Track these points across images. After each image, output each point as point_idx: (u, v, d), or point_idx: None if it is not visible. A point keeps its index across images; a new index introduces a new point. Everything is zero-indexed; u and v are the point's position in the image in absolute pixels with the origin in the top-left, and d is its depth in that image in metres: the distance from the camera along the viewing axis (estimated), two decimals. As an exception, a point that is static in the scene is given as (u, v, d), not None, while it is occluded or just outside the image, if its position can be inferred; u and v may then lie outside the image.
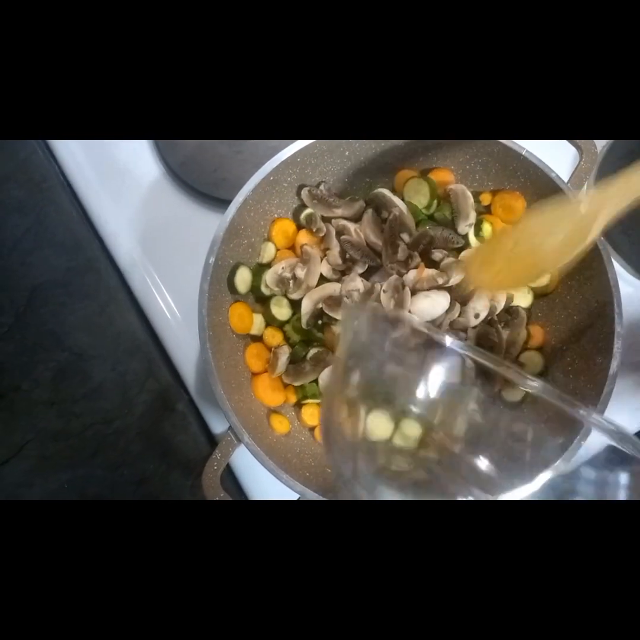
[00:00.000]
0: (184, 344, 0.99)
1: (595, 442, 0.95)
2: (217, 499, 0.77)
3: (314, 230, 0.92)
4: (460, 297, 0.86)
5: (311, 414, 0.91)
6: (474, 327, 0.86)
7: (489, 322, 0.88)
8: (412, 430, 0.77)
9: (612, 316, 0.82)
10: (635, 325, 1.03)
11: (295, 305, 0.91)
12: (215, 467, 0.79)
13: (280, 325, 0.92)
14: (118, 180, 1.06)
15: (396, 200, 0.91)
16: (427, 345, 0.75)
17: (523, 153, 0.86)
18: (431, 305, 0.83)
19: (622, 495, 0.61)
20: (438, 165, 0.95)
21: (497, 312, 0.88)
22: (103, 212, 1.05)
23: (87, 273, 1.02)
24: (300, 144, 0.84)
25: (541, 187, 0.88)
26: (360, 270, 0.90)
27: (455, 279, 0.84)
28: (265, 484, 0.94)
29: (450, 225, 0.93)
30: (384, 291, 0.85)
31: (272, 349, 0.89)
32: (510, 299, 0.91)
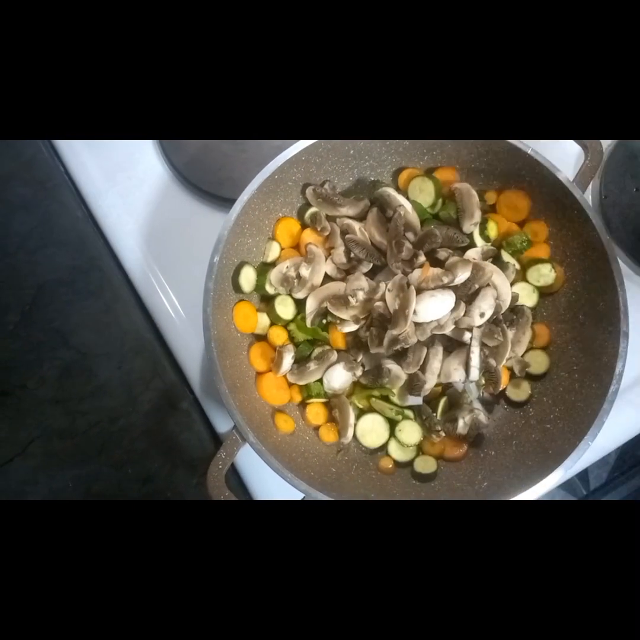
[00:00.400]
0: (188, 343, 0.99)
1: (602, 442, 0.95)
2: (221, 498, 0.77)
3: (319, 229, 0.92)
4: (465, 296, 0.86)
5: (316, 413, 0.91)
6: (479, 326, 0.86)
7: (494, 321, 0.87)
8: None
9: (618, 315, 0.81)
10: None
11: (300, 304, 0.91)
12: (220, 466, 0.79)
13: (285, 325, 0.92)
14: (122, 180, 1.07)
15: (401, 199, 0.90)
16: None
17: (528, 152, 0.86)
18: (437, 304, 0.82)
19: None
20: (443, 164, 0.95)
21: (503, 312, 0.88)
22: (107, 211, 1.05)
23: (92, 271, 1.02)
24: (304, 143, 0.84)
25: (547, 185, 0.88)
26: (365, 269, 0.90)
27: (460, 278, 0.84)
28: (269, 483, 0.94)
29: (455, 224, 0.92)
30: (388, 290, 0.84)
31: (277, 348, 0.89)
32: (515, 298, 0.91)
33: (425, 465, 0.89)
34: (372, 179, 0.97)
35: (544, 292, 0.94)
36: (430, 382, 0.87)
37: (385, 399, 0.91)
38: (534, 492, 0.77)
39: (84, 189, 1.07)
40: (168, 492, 0.94)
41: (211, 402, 0.98)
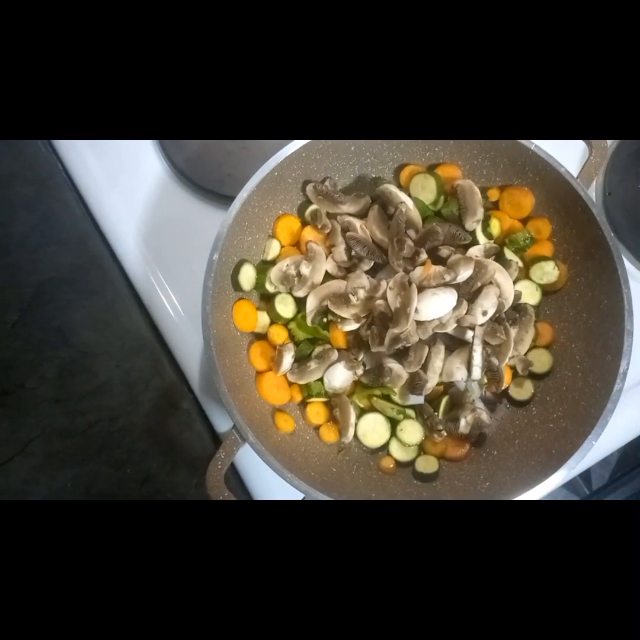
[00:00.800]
0: (188, 342, 0.99)
1: (605, 441, 0.94)
2: (221, 498, 0.77)
3: (319, 226, 0.91)
4: (467, 294, 0.85)
5: (317, 413, 0.91)
6: (482, 325, 0.85)
7: (496, 319, 0.86)
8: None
9: (622, 314, 0.80)
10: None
11: (300, 302, 0.91)
12: (219, 466, 0.79)
13: (285, 323, 0.92)
14: (122, 178, 1.06)
15: (403, 196, 0.90)
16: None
17: (532, 148, 0.85)
18: (438, 302, 0.82)
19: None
20: (445, 161, 0.94)
21: (505, 310, 0.87)
22: (108, 209, 1.05)
23: (92, 270, 1.02)
24: (304, 140, 0.84)
25: (550, 182, 0.87)
26: (366, 267, 0.90)
27: (462, 276, 0.83)
28: (270, 483, 0.93)
29: (458, 221, 0.91)
30: (390, 288, 0.84)
31: (277, 347, 0.89)
32: (518, 296, 0.89)
33: (427, 465, 0.88)
34: (374, 175, 0.96)
35: (547, 290, 0.93)
36: (432, 381, 0.86)
37: (387, 398, 0.90)
38: (537, 492, 0.76)
39: (85, 187, 1.06)
40: (168, 492, 0.94)
41: (211, 402, 0.98)
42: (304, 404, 0.92)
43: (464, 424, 0.86)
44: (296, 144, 0.83)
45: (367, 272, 0.89)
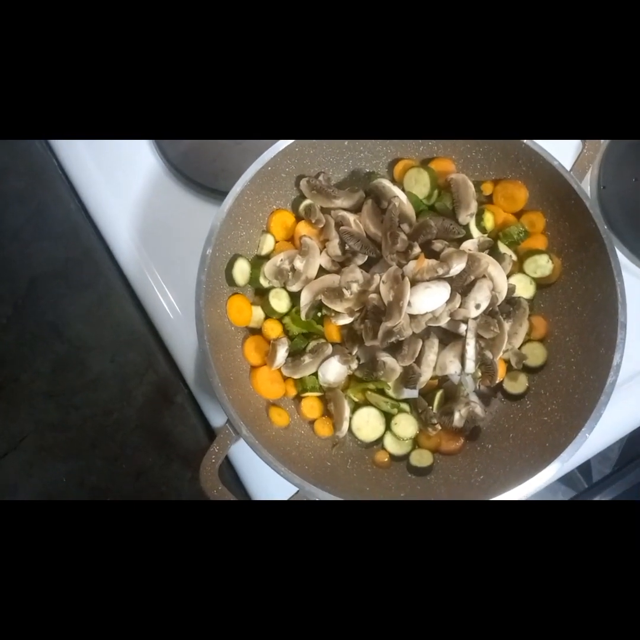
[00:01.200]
0: (182, 336, 0.99)
1: (602, 434, 0.94)
2: (214, 492, 0.77)
3: (313, 221, 0.91)
4: (460, 287, 0.85)
5: (311, 407, 0.91)
6: (475, 318, 0.85)
7: (490, 313, 0.86)
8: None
9: (616, 306, 0.81)
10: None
11: (295, 297, 0.90)
12: (213, 460, 0.79)
13: (280, 318, 0.92)
14: (117, 172, 1.06)
15: (396, 190, 0.89)
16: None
17: (525, 141, 0.85)
18: (431, 296, 0.81)
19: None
20: (439, 155, 0.94)
21: (499, 303, 0.87)
22: (101, 203, 1.04)
23: (85, 264, 1.02)
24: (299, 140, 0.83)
25: (544, 175, 0.87)
26: (360, 262, 0.89)
27: (455, 269, 0.83)
28: (265, 478, 0.93)
29: (451, 215, 0.91)
30: (383, 282, 0.83)
31: (271, 342, 0.88)
32: (512, 289, 0.90)
33: (421, 458, 0.88)
34: (367, 170, 0.96)
35: (541, 284, 0.93)
36: (426, 374, 0.86)
37: (381, 392, 0.90)
38: (531, 485, 0.76)
39: (78, 181, 1.06)
40: (162, 486, 0.94)
41: (206, 396, 0.98)
42: (298, 398, 0.92)
43: (458, 417, 0.86)
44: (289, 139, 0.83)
45: (361, 267, 0.89)
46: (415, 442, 0.90)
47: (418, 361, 0.85)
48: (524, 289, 0.92)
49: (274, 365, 0.87)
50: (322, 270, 0.91)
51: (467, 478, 0.85)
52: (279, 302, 0.90)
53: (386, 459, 0.90)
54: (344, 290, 0.85)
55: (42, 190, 1.05)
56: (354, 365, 0.88)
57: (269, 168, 0.84)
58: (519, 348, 0.92)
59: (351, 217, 0.91)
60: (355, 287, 0.85)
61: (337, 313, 0.87)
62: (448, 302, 0.83)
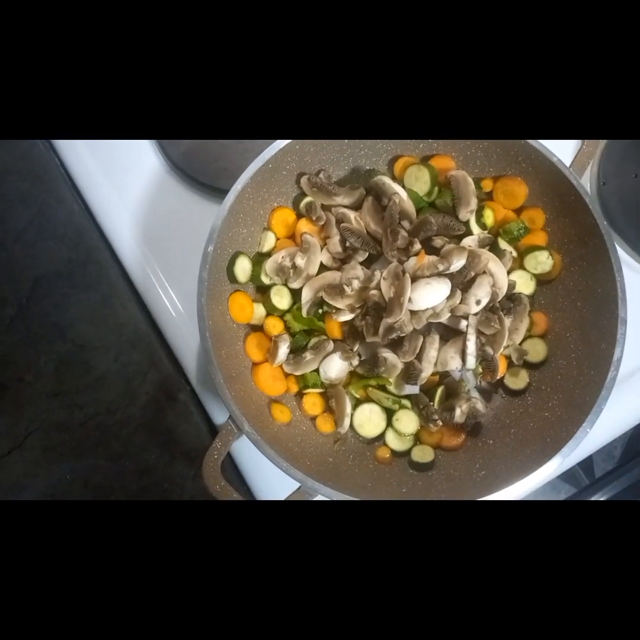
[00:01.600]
0: (185, 334, 0.99)
1: (604, 430, 0.94)
2: (217, 488, 0.77)
3: (314, 218, 0.91)
4: (461, 283, 0.85)
5: (313, 403, 0.91)
6: (476, 314, 0.85)
7: (491, 309, 0.87)
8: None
9: (616, 302, 0.81)
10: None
11: (296, 294, 0.91)
12: (216, 456, 0.79)
13: (281, 315, 0.92)
14: (119, 172, 1.06)
15: (396, 187, 0.90)
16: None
17: (524, 137, 0.85)
18: (432, 292, 0.82)
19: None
20: (439, 152, 0.94)
21: (499, 299, 0.87)
22: (104, 203, 1.05)
23: (88, 264, 1.02)
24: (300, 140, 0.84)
25: (543, 172, 0.87)
26: (361, 259, 0.90)
27: (456, 265, 0.83)
28: (268, 475, 0.93)
29: (451, 212, 0.92)
30: (384, 279, 0.84)
31: (273, 338, 0.89)
32: (512, 286, 0.90)
33: (423, 454, 0.89)
34: (368, 167, 0.96)
35: (541, 280, 0.93)
36: (427, 370, 0.86)
37: (382, 388, 0.90)
38: (533, 480, 0.77)
39: (80, 181, 1.07)
40: (166, 484, 0.94)
41: (208, 394, 0.98)
42: (300, 394, 0.92)
43: (459, 413, 0.86)
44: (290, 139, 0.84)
45: (361, 263, 0.89)
46: (417, 438, 0.91)
47: (419, 357, 0.86)
48: (525, 285, 0.93)
49: (275, 362, 0.87)
50: (323, 267, 0.91)
51: (468, 474, 0.85)
52: (281, 299, 0.91)
53: (388, 455, 0.90)
54: (345, 287, 0.85)
55: (45, 191, 1.06)
56: (356, 362, 0.88)
57: (270, 165, 0.85)
58: (520, 344, 0.92)
59: (352, 214, 0.91)
60: (356, 284, 0.85)
61: (338, 310, 0.87)
62: (448, 298, 0.83)
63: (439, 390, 0.89)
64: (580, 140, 0.91)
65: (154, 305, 1.01)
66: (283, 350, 0.87)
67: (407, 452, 0.90)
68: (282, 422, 0.87)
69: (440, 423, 0.87)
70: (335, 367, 0.88)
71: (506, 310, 0.89)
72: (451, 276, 0.84)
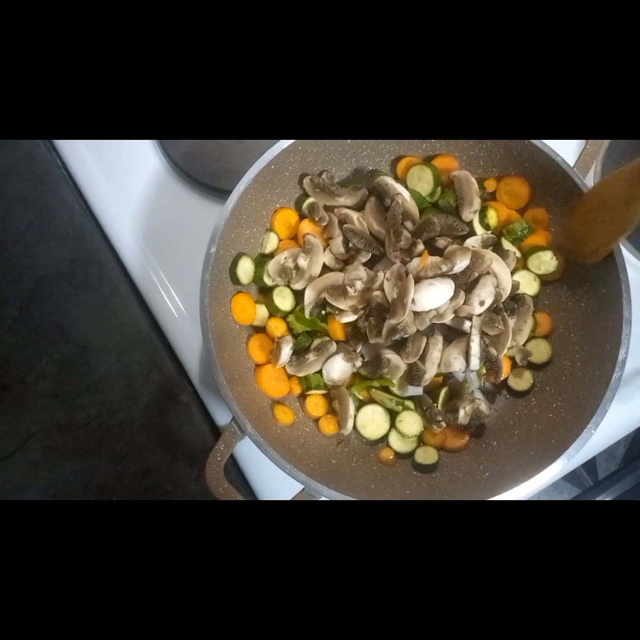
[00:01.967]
0: (187, 335, 0.99)
1: (608, 431, 0.94)
2: (220, 490, 0.77)
3: (317, 219, 0.91)
4: (464, 284, 0.85)
5: (316, 405, 0.91)
6: (479, 315, 0.85)
7: (494, 309, 0.86)
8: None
9: (621, 302, 0.80)
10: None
11: (299, 295, 0.91)
12: (219, 458, 0.79)
13: (284, 316, 0.92)
14: (120, 172, 1.06)
15: (399, 187, 0.89)
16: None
17: (528, 137, 0.85)
18: (435, 293, 0.81)
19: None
20: (442, 152, 0.94)
21: (503, 300, 0.87)
22: (105, 204, 1.05)
23: (90, 265, 1.02)
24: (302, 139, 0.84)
25: (547, 172, 0.87)
26: (364, 259, 0.90)
27: (459, 266, 0.83)
28: (270, 475, 0.93)
29: (455, 212, 0.91)
30: (387, 279, 0.84)
31: (276, 340, 0.89)
32: (516, 286, 0.89)
33: (426, 456, 0.88)
34: (370, 168, 0.96)
35: (545, 280, 0.93)
36: (430, 371, 0.86)
37: (385, 389, 0.90)
38: (537, 482, 0.76)
39: (82, 182, 1.06)
40: (168, 485, 0.94)
41: (211, 395, 0.98)
42: (303, 396, 0.92)
43: (463, 414, 0.86)
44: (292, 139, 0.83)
45: (364, 264, 0.89)
46: (420, 440, 0.90)
47: (422, 358, 0.85)
48: (528, 285, 0.92)
49: (278, 363, 0.87)
50: (325, 268, 0.91)
51: (472, 475, 0.85)
52: (283, 300, 0.91)
53: (391, 457, 0.90)
54: (348, 287, 0.85)
55: (46, 192, 1.06)
56: (359, 363, 0.88)
57: (272, 166, 0.84)
58: (524, 345, 0.91)
59: (354, 215, 0.91)
60: (359, 285, 0.85)
61: (341, 311, 0.87)
62: (452, 299, 0.83)
63: (443, 392, 0.89)
64: (583, 140, 0.90)
65: (155, 306, 1.01)
66: (286, 351, 0.87)
67: (411, 454, 0.89)
68: (285, 424, 0.87)
69: (444, 424, 0.87)
70: (338, 368, 0.88)
71: (510, 311, 0.88)
72: (454, 277, 0.84)
